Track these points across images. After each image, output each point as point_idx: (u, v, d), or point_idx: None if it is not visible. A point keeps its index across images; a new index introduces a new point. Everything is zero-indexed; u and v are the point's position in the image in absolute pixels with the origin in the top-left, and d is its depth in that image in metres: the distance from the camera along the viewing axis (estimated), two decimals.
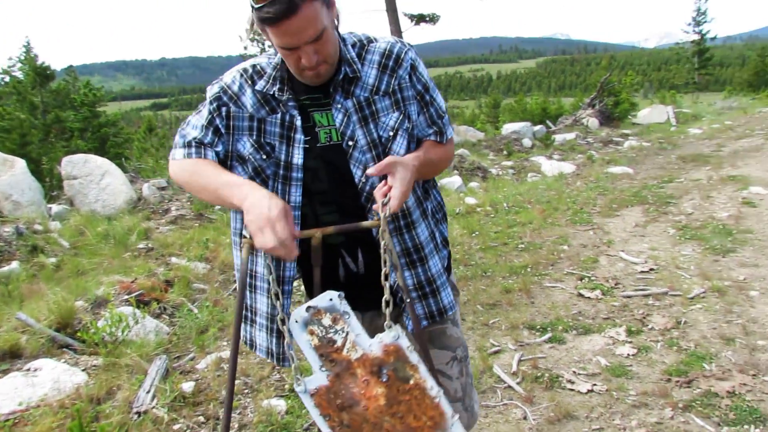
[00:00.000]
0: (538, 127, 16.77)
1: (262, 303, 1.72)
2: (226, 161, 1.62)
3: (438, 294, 1.75)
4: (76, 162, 7.41)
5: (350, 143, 1.57)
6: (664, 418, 2.82)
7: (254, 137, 1.60)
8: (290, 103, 1.57)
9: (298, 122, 1.57)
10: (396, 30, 19.98)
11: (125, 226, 6.44)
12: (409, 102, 1.63)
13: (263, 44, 39.60)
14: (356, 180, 1.59)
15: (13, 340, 3.71)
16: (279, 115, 1.58)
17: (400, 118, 1.60)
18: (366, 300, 1.61)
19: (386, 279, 1.42)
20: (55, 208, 7.01)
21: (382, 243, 1.43)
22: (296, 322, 1.45)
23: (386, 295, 1.40)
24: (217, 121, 1.61)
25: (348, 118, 1.57)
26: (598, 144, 14.51)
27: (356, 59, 1.58)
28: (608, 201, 7.68)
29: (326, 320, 1.44)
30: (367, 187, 1.59)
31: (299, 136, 1.57)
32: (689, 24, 48.26)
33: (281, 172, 1.59)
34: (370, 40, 1.62)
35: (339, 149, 1.58)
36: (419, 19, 20.41)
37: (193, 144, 1.61)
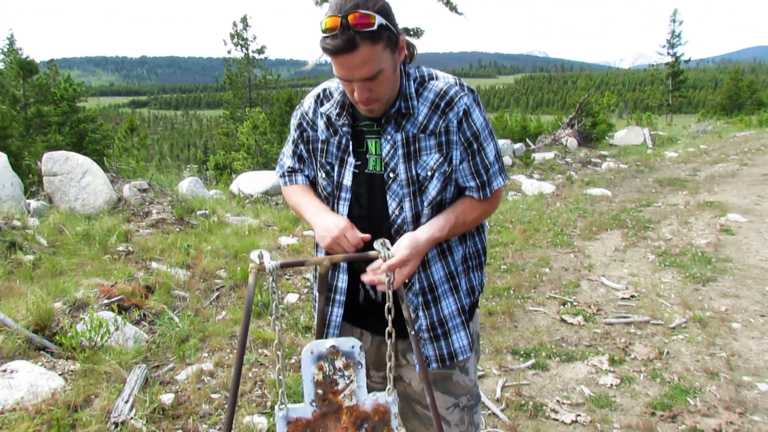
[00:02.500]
0: (518, 145, 16.95)
1: (337, 315, 1.78)
2: (315, 181, 1.80)
3: (449, 337, 1.75)
4: (57, 159, 7.26)
5: (391, 175, 1.63)
6: None
7: (323, 158, 1.72)
8: (344, 128, 1.67)
9: (350, 146, 1.66)
10: None
11: (105, 227, 6.31)
12: (454, 146, 1.62)
13: (246, 49, 39.38)
14: (389, 211, 1.65)
15: None
16: (337, 138, 1.69)
17: (440, 160, 1.62)
18: (378, 325, 1.67)
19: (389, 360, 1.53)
20: (33, 204, 6.85)
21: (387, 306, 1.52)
22: (311, 353, 1.47)
23: (390, 362, 1.52)
24: (301, 147, 1.80)
25: (394, 151, 1.62)
26: (577, 164, 14.71)
27: (413, 95, 1.61)
28: (588, 223, 7.78)
29: (339, 362, 1.50)
30: (398, 221, 1.65)
31: (351, 159, 1.66)
32: (663, 46, 49.40)
33: (335, 191, 1.71)
34: (431, 77, 1.64)
35: (381, 179, 1.65)
36: (403, 32, 20.54)
37: (286, 173, 1.88)
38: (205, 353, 4.02)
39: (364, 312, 1.77)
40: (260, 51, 37.20)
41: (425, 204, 1.63)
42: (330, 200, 1.73)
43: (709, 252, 6.05)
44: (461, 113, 1.59)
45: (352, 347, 1.49)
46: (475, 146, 1.64)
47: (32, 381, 3.28)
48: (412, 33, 20.48)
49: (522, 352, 3.98)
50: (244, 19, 36.89)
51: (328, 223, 1.62)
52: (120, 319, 3.98)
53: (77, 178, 7.18)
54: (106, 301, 4.39)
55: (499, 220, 8.17)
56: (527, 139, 18.90)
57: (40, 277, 5.01)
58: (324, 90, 1.74)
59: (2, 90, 14.11)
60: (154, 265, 5.58)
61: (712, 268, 5.53)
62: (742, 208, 8.00)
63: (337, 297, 1.76)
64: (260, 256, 1.68)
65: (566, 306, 4.82)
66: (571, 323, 4.44)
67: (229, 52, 37.15)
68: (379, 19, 1.41)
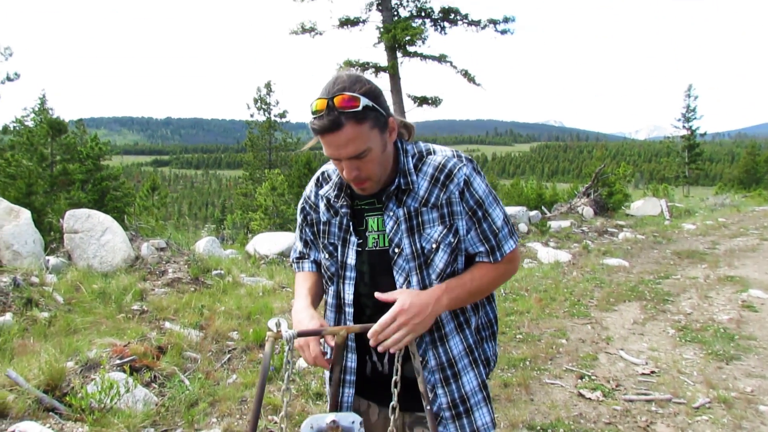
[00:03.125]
0: (533, 213, 16.97)
1: (349, 396, 1.76)
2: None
3: (471, 414, 1.71)
4: (79, 216, 7.39)
5: (396, 250, 1.65)
6: None
7: (325, 239, 1.77)
8: (343, 210, 1.71)
9: (351, 226, 1.71)
10: (399, 109, 20.53)
11: (121, 285, 6.35)
12: (458, 217, 1.64)
13: (269, 113, 40.36)
14: (397, 286, 1.65)
15: (0, 399, 3.59)
16: (338, 218, 1.74)
17: (444, 231, 1.63)
18: (385, 397, 1.62)
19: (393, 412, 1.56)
20: (52, 260, 6.93)
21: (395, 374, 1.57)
22: (311, 428, 1.47)
23: None
24: (306, 231, 1.87)
25: (398, 226, 1.64)
26: (593, 233, 14.65)
27: (412, 171, 1.65)
28: (605, 294, 7.67)
29: None
30: None
31: (353, 239, 1.70)
32: (679, 120, 50.00)
33: (339, 271, 1.74)
34: (429, 152, 1.68)
35: (385, 254, 1.67)
36: (422, 101, 21.04)
37: (295, 260, 1.95)
38: (214, 418, 3.95)
39: (372, 384, 1.76)
40: (282, 115, 38.17)
41: (433, 277, 1.63)
42: (335, 280, 1.76)
43: (731, 329, 5.90)
44: (462, 183, 1.62)
45: (353, 422, 1.48)
46: (480, 213, 1.65)
47: None
48: (430, 102, 20.96)
49: (539, 428, 3.85)
50: (268, 85, 38.08)
51: (300, 326, 1.66)
52: (131, 380, 3.94)
53: (97, 236, 7.28)
54: (118, 362, 4.36)
55: (514, 288, 8.09)
56: (543, 207, 18.93)
57: (54, 334, 5.01)
58: (323, 173, 1.82)
59: (31, 148, 14.53)
60: (167, 325, 5.57)
61: (736, 345, 5.38)
62: (764, 284, 7.85)
63: (347, 377, 1.76)
64: (278, 325, 1.69)
65: (584, 380, 4.70)
66: (590, 398, 4.31)
67: (252, 115, 38.22)
68: (364, 101, 1.47)
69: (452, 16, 20.73)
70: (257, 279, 7.79)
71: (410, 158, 1.67)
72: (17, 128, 16.15)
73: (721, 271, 9.03)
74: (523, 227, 14.89)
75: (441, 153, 1.67)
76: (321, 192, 1.78)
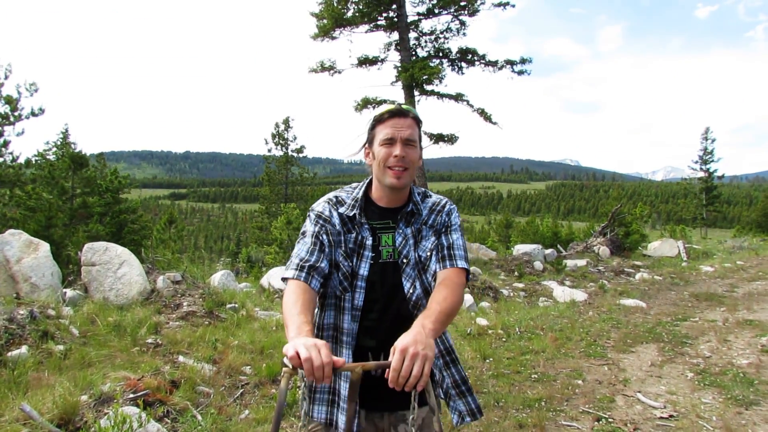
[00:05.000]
0: (549, 251, 16.88)
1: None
2: (330, 273, 2.00)
3: (470, 394, 2.11)
4: (96, 249, 7.48)
5: (404, 261, 2.03)
6: None
7: (342, 249, 2.02)
8: (365, 226, 2.05)
9: (369, 242, 2.03)
10: None
11: (136, 318, 6.38)
12: (441, 233, 2.08)
13: (286, 148, 40.84)
14: (405, 290, 2.01)
15: None
16: (354, 234, 2.04)
17: (435, 242, 2.06)
18: (374, 401, 1.92)
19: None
20: (69, 293, 6.99)
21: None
22: None
23: None
24: (323, 237, 2.02)
25: (406, 241, 2.05)
26: (609, 273, 14.51)
27: (420, 202, 2.13)
28: (622, 335, 7.57)
29: None
30: (414, 297, 2.00)
31: (368, 253, 2.02)
32: (696, 162, 49.75)
33: (351, 280, 2.00)
34: (428, 194, 2.20)
35: (395, 266, 2.03)
36: (438, 138, 21.18)
37: (304, 267, 1.94)
38: None
39: (360, 389, 1.74)
40: (299, 150, 38.60)
41: (430, 279, 2.02)
42: (345, 289, 2.01)
43: (751, 373, 5.77)
44: (446, 212, 2.13)
45: None
46: (448, 232, 2.09)
47: None
48: (446, 139, 21.11)
49: None
50: (286, 121, 38.63)
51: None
52: (144, 415, 3.93)
53: (114, 269, 7.36)
54: (131, 396, 4.36)
55: (529, 326, 8.02)
56: (558, 246, 18.83)
57: (69, 367, 5.03)
58: (336, 197, 2.13)
59: (52, 181, 14.81)
60: (181, 359, 5.57)
61: (755, 390, 5.26)
62: None
63: (342, 404, 1.90)
64: None
65: (601, 422, 4.61)
66: None
67: (269, 150, 38.69)
68: (419, 116, 2.04)
69: (470, 56, 20.99)
70: (271, 313, 7.79)
71: (417, 195, 2.15)
72: (39, 162, 16.50)
73: (740, 314, 8.88)
74: (538, 265, 14.80)
75: (436, 196, 2.20)
76: (340, 211, 2.07)
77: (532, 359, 6.42)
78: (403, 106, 1.99)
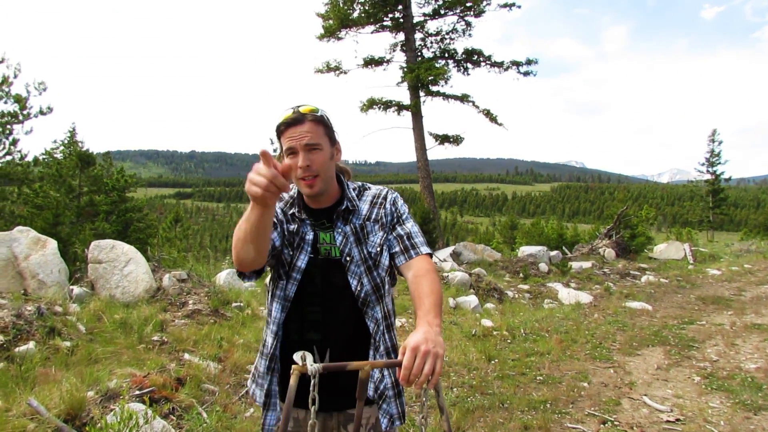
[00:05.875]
0: (554, 253, 16.84)
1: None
2: (278, 252, 2.01)
3: (402, 396, 2.08)
4: (103, 247, 7.50)
5: (348, 259, 2.00)
6: None
7: (285, 239, 2.02)
8: (307, 221, 2.04)
9: (309, 237, 2.02)
10: (420, 147, 20.70)
11: (142, 316, 6.40)
12: (390, 225, 2.07)
13: None
14: (352, 288, 1.99)
15: (21, 427, 3.62)
16: (295, 227, 2.03)
17: (384, 236, 2.05)
18: (322, 400, 1.62)
19: None
20: (76, 290, 7.02)
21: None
22: None
23: None
24: (279, 215, 2.04)
25: (346, 240, 2.02)
26: (615, 275, 14.47)
27: (355, 198, 2.09)
28: (628, 338, 7.54)
29: None
30: (362, 294, 1.99)
31: (307, 248, 2.01)
32: (703, 164, 49.45)
33: (288, 271, 2.01)
34: (366, 188, 2.16)
35: (338, 263, 2.01)
36: (443, 139, 21.17)
37: None
38: None
39: (304, 387, 1.63)
40: None
41: (383, 274, 2.03)
42: (280, 276, 2.03)
43: (759, 378, 5.74)
44: (390, 202, 2.10)
45: None
46: (401, 222, 2.07)
47: None
48: (452, 140, 21.09)
49: None
50: None
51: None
52: (150, 412, 3.93)
53: (120, 266, 7.38)
54: (137, 392, 4.37)
55: (534, 328, 8.00)
56: (564, 247, 18.78)
57: (75, 364, 5.04)
58: (282, 196, 2.07)
59: (60, 179, 14.86)
60: (186, 356, 5.59)
61: (764, 395, 5.22)
62: None
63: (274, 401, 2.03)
64: (303, 358, 1.69)
65: (606, 425, 4.59)
66: None
67: (275, 150, 38.67)
68: (321, 111, 1.93)
69: (475, 57, 20.99)
70: None
71: (352, 190, 2.11)
72: (47, 160, 16.59)
73: (748, 318, 8.83)
74: (543, 267, 14.77)
75: (375, 187, 2.17)
76: (279, 205, 2.04)
77: (537, 361, 6.41)
78: (301, 109, 1.89)
